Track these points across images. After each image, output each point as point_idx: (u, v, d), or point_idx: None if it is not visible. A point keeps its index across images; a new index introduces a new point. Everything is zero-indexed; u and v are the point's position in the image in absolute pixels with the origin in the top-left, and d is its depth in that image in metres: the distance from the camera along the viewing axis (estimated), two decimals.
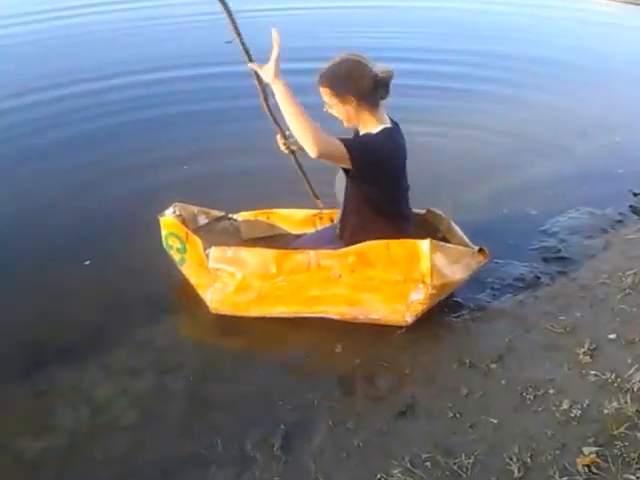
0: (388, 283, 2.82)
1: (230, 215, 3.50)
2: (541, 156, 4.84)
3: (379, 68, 2.61)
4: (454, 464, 2.19)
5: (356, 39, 7.62)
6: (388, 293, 2.84)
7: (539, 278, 3.34)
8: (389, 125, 2.73)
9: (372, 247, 2.80)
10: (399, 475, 2.17)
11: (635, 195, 4.29)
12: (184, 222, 3.20)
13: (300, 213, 3.44)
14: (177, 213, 3.22)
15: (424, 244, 2.77)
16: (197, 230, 3.26)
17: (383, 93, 2.63)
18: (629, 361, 2.62)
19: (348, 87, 2.59)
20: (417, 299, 2.83)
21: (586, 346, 2.74)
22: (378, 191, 2.78)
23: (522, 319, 3.02)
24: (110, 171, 4.54)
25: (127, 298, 3.18)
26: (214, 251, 2.94)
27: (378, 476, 2.18)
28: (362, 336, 2.91)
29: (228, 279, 2.94)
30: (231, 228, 3.48)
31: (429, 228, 3.17)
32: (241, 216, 3.49)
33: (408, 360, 2.78)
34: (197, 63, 6.88)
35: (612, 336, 2.81)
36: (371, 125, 2.71)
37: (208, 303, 3.01)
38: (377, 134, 2.69)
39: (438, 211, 3.24)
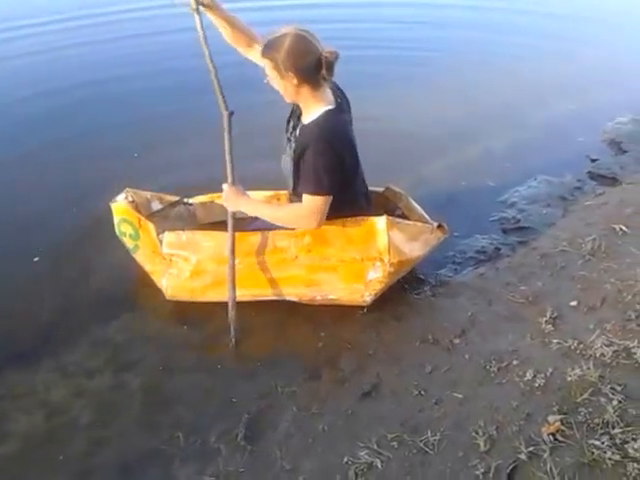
0: (345, 262, 2.77)
1: (185, 200, 3.38)
2: (497, 127, 4.80)
3: (325, 48, 2.50)
4: (421, 441, 2.16)
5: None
6: (346, 272, 2.79)
7: (499, 249, 3.33)
8: (332, 106, 2.62)
9: (328, 226, 2.75)
10: (366, 457, 2.13)
11: (593, 161, 4.30)
12: (137, 208, 3.10)
13: (257, 194, 3.36)
14: (129, 199, 3.11)
15: (380, 221, 2.73)
16: (151, 216, 3.16)
17: (327, 74, 2.51)
18: (591, 327, 2.61)
19: (290, 63, 2.47)
20: (375, 277, 2.79)
21: (548, 315, 2.73)
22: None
23: (484, 292, 3.00)
24: (57, 160, 4.35)
25: (80, 294, 3.08)
26: (167, 236, 2.87)
27: (345, 459, 2.14)
28: (324, 318, 2.87)
29: (183, 264, 2.87)
30: (186, 213, 3.37)
31: (388, 206, 3.12)
32: (197, 200, 3.38)
33: (371, 340, 2.75)
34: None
35: (573, 303, 2.80)
36: (312, 105, 2.61)
37: (163, 290, 2.94)
38: (327, 135, 2.56)
39: (397, 188, 3.19)
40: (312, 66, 2.47)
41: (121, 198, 3.08)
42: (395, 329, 2.83)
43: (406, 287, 3.05)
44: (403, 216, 3.05)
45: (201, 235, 2.88)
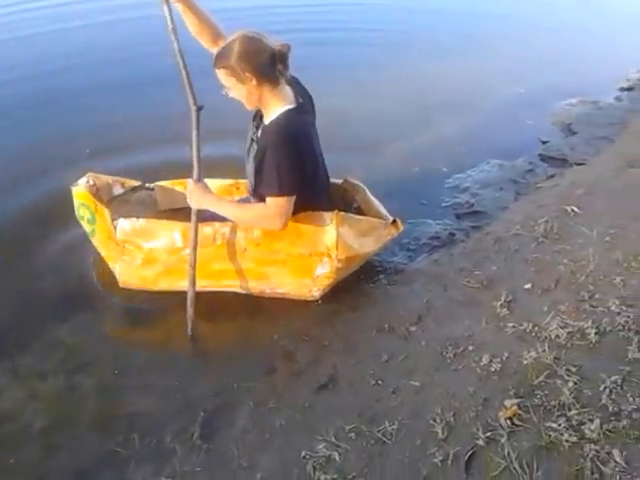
0: (294, 257, 2.75)
1: (147, 184, 3.33)
2: (448, 113, 4.80)
3: (276, 42, 2.47)
4: (379, 432, 2.14)
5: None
6: (294, 267, 2.77)
7: (454, 235, 3.33)
8: (292, 105, 2.59)
9: None
10: (324, 450, 2.10)
11: (543, 143, 4.34)
12: (98, 192, 3.07)
13: (217, 182, 3.30)
14: (90, 183, 3.06)
15: (330, 217, 2.70)
16: (112, 200, 3.14)
17: (282, 68, 2.48)
18: (545, 309, 2.61)
19: (245, 65, 2.44)
20: (323, 273, 2.76)
21: (503, 298, 2.73)
22: None
23: (439, 278, 3.00)
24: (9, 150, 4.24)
25: (30, 294, 2.99)
26: (121, 223, 2.82)
27: (303, 454, 2.11)
28: (279, 311, 2.84)
29: (135, 252, 2.83)
30: (148, 198, 3.32)
31: (346, 198, 3.09)
32: (158, 185, 3.32)
33: (327, 331, 2.72)
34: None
35: (528, 286, 2.81)
36: (272, 105, 2.58)
37: (117, 277, 2.91)
38: (287, 136, 2.54)
39: (355, 181, 3.14)
40: (267, 62, 2.45)
41: (82, 182, 3.03)
42: (351, 319, 2.80)
43: (362, 276, 3.02)
44: (360, 210, 3.02)
45: (153, 224, 2.84)
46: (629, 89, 5.14)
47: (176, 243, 2.79)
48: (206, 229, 2.76)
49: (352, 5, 7.61)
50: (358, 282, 2.99)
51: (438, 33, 6.70)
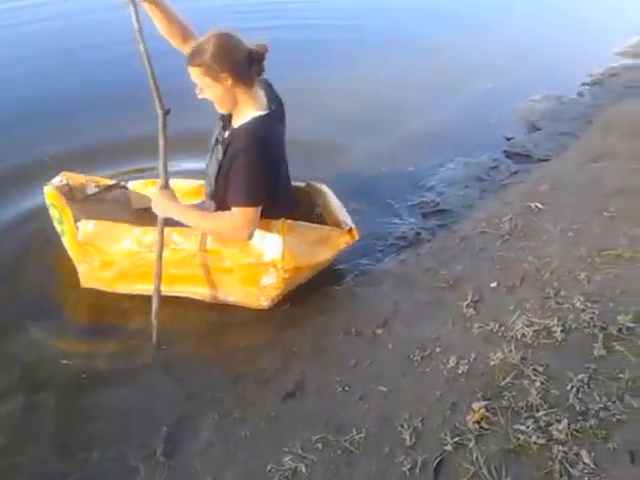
0: (241, 265, 2.70)
1: (122, 183, 3.31)
2: (413, 111, 4.79)
3: (252, 43, 2.41)
4: (346, 441, 2.10)
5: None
6: (241, 276, 2.72)
7: (420, 234, 3.31)
8: (264, 111, 2.53)
9: None
10: (290, 462, 2.06)
11: (508, 140, 4.34)
12: (71, 191, 3.06)
13: (187, 183, 3.28)
14: (63, 182, 3.05)
15: (276, 225, 2.65)
16: (86, 199, 3.13)
17: (258, 69, 2.43)
18: (511, 308, 2.60)
19: (221, 63, 2.36)
20: (270, 283, 2.72)
21: (469, 298, 2.71)
22: None
23: (405, 279, 2.97)
24: None
25: None
26: (82, 225, 2.80)
27: (269, 467, 2.06)
28: (244, 317, 2.80)
29: (94, 254, 2.81)
30: (123, 197, 3.28)
31: (309, 202, 3.05)
32: (131, 185, 3.30)
33: (294, 337, 2.68)
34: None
35: (493, 285, 2.79)
36: (245, 108, 2.52)
37: (79, 278, 2.90)
38: (254, 146, 2.47)
39: (317, 184, 3.09)
40: (244, 61, 2.39)
41: (54, 181, 3.03)
42: (318, 323, 2.76)
43: (328, 278, 2.98)
44: (321, 215, 2.98)
45: (112, 226, 2.82)
46: (592, 84, 5.17)
47: (132, 247, 2.75)
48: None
49: (315, 2, 7.55)
50: (325, 284, 2.95)
51: (403, 29, 6.67)
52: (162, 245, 2.63)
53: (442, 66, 5.67)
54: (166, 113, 2.46)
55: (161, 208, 2.58)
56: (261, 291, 2.74)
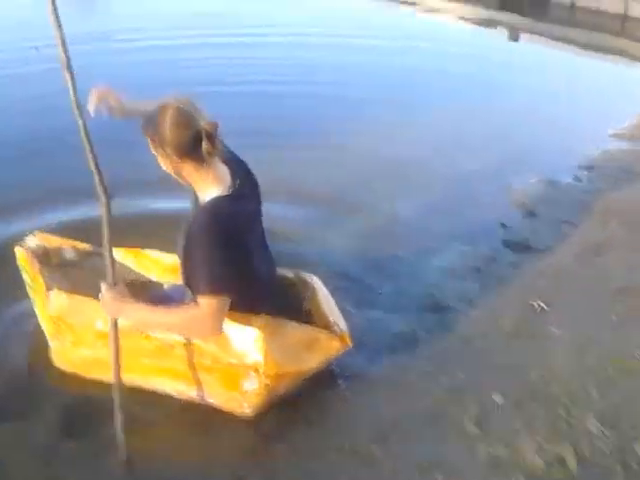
0: (221, 364, 2.41)
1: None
2: (404, 189, 4.62)
3: (204, 118, 2.21)
4: None
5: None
6: (222, 376, 2.44)
7: (416, 333, 3.10)
8: (224, 191, 2.31)
9: None
10: None
11: (504, 227, 4.19)
12: (47, 255, 2.81)
13: (170, 258, 2.97)
14: (37, 243, 2.81)
15: (257, 322, 2.38)
16: (63, 265, 2.88)
17: (210, 148, 2.20)
18: (518, 427, 2.41)
19: (167, 140, 2.20)
20: (252, 389, 2.42)
21: (472, 413, 2.51)
22: None
23: (403, 385, 2.76)
24: None
25: None
26: (54, 296, 2.56)
27: None
28: (225, 424, 2.52)
29: (66, 330, 2.56)
30: (102, 265, 3.01)
31: (296, 295, 2.79)
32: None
33: (280, 451, 2.44)
34: None
35: (498, 398, 2.59)
36: (202, 186, 2.33)
37: (52, 355, 2.69)
38: (213, 229, 2.27)
39: (306, 275, 2.83)
40: (190, 141, 2.18)
41: (29, 243, 2.81)
42: (307, 436, 2.53)
43: (318, 380, 2.74)
44: (308, 312, 2.73)
45: (86, 302, 2.53)
46: (588, 168, 5.07)
47: (105, 328, 2.40)
48: None
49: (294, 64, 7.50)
50: (315, 387, 2.69)
51: (395, 100, 6.55)
52: (118, 353, 2.28)
53: (432, 140, 5.51)
54: (110, 196, 2.17)
55: (111, 309, 2.29)
56: (244, 396, 2.45)
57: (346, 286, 3.41)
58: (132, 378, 2.49)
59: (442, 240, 4.00)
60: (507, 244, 3.94)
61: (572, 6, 10.69)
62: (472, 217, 4.35)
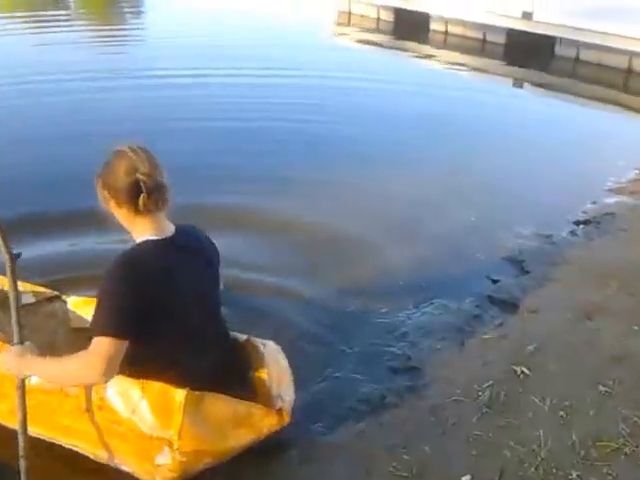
0: (135, 434, 2.18)
1: (64, 297, 2.95)
2: (390, 239, 4.38)
3: (150, 171, 2.09)
4: None
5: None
6: (135, 446, 2.20)
7: (385, 397, 2.83)
8: (156, 237, 2.17)
9: (125, 383, 2.19)
10: None
11: (493, 282, 3.93)
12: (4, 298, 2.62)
13: None
14: None
15: (179, 394, 2.12)
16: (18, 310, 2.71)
17: (149, 202, 2.10)
18: None
19: (105, 183, 2.17)
20: (164, 464, 2.16)
21: None
22: None
23: (363, 459, 2.48)
24: None
25: None
26: None
27: None
28: None
29: None
30: (61, 312, 2.93)
31: (245, 363, 2.51)
32: (71, 301, 2.93)
33: None
34: None
35: (466, 478, 2.30)
36: (136, 234, 2.21)
37: None
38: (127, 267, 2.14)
39: (260, 341, 2.56)
40: (126, 188, 2.10)
41: None
42: None
43: (266, 448, 2.45)
44: (252, 382, 2.46)
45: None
46: (585, 222, 4.80)
47: (29, 380, 2.24)
48: None
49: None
50: (263, 457, 2.42)
51: (385, 146, 6.36)
52: (25, 418, 2.15)
53: (423, 188, 5.24)
54: (15, 257, 2.11)
55: (13, 368, 2.17)
56: (157, 470, 2.19)
57: (317, 340, 3.19)
58: (54, 436, 2.38)
59: (425, 294, 3.75)
60: (494, 301, 3.66)
61: (577, 59, 10.56)
62: (460, 270, 4.10)
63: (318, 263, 4.00)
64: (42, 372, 2.21)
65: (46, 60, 9.27)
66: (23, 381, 2.17)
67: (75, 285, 3.33)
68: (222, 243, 2.57)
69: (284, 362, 2.56)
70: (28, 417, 2.22)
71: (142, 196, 2.08)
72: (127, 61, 9.82)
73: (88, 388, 2.23)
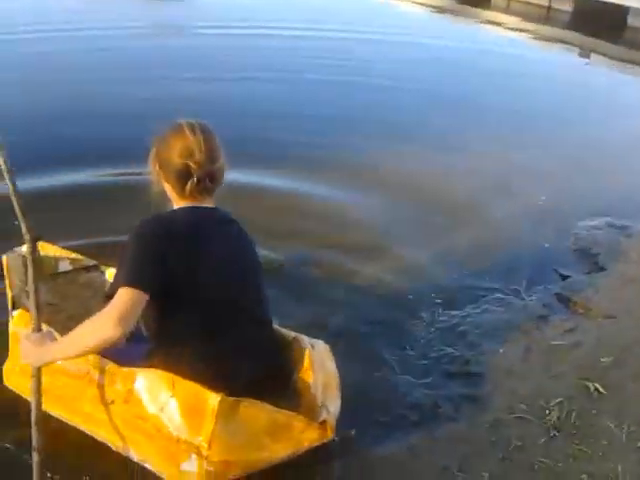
0: (162, 433, 1.95)
1: (103, 268, 2.84)
2: (456, 223, 4.06)
3: (207, 159, 2.02)
4: None
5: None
6: (160, 447, 1.98)
7: (439, 407, 2.54)
8: (192, 204, 2.10)
9: (155, 378, 1.98)
10: None
11: (562, 278, 3.57)
12: (40, 264, 2.40)
13: None
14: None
15: (212, 398, 1.88)
16: (56, 277, 2.74)
17: (193, 189, 2.04)
18: None
19: (157, 155, 2.12)
20: (190, 471, 1.93)
21: None
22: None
23: (412, 477, 2.20)
24: None
25: None
26: (17, 314, 2.36)
27: None
28: None
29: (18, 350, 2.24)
30: (99, 281, 2.82)
31: (292, 362, 2.24)
32: (109, 271, 2.79)
33: None
34: None
35: None
36: (174, 203, 2.15)
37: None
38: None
39: (308, 340, 2.26)
40: (177, 170, 2.04)
41: (16, 251, 2.59)
42: None
43: (305, 459, 2.15)
44: (296, 387, 2.18)
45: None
46: None
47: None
48: (81, 360, 2.10)
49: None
50: (300, 468, 2.14)
51: (448, 126, 5.90)
52: (39, 410, 2.00)
53: (490, 170, 4.91)
54: (35, 240, 1.97)
55: (32, 359, 2.01)
56: (181, 476, 1.97)
57: (366, 337, 2.92)
58: (76, 422, 2.22)
59: (488, 284, 3.47)
60: (563, 300, 3.32)
61: None
62: (525, 261, 3.76)
63: (375, 257, 3.64)
64: (62, 352, 2.02)
65: None
66: (39, 370, 2.00)
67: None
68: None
69: (332, 366, 2.28)
70: (56, 401, 2.16)
71: (190, 182, 2.02)
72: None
73: (116, 380, 2.06)
